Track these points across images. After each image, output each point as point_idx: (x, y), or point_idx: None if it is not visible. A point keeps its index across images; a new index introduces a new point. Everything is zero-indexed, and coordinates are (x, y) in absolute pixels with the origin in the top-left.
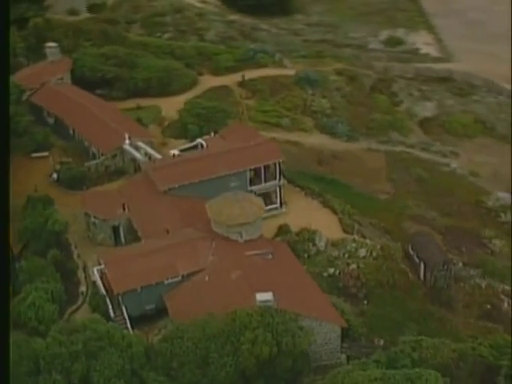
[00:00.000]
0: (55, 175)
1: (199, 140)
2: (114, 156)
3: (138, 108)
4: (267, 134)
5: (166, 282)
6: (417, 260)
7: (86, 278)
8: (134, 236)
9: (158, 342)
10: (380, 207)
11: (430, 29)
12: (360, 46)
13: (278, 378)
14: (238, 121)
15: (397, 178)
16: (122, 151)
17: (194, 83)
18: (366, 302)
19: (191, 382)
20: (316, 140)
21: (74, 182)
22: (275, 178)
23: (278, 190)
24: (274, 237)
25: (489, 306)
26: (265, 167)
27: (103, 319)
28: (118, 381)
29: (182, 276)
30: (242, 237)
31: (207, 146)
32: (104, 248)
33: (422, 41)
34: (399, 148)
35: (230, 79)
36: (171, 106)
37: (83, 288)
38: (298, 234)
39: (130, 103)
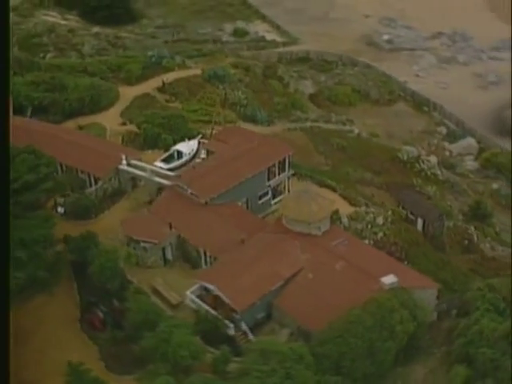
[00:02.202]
0: (61, 209)
1: (176, 148)
2: (110, 179)
3: (80, 128)
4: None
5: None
6: (412, 216)
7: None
8: (181, 252)
9: (319, 346)
10: (334, 179)
11: (263, 18)
12: (215, 41)
13: (414, 349)
14: (213, 123)
15: (324, 150)
16: (117, 172)
17: (117, 96)
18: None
19: (364, 373)
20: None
21: (80, 211)
22: (285, 170)
23: (286, 180)
24: None
25: (466, 242)
26: (278, 162)
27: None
28: None
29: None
30: (320, 230)
31: (215, 152)
32: (156, 270)
33: (262, 29)
34: (308, 124)
35: (147, 87)
36: (109, 121)
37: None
38: None
39: (71, 124)
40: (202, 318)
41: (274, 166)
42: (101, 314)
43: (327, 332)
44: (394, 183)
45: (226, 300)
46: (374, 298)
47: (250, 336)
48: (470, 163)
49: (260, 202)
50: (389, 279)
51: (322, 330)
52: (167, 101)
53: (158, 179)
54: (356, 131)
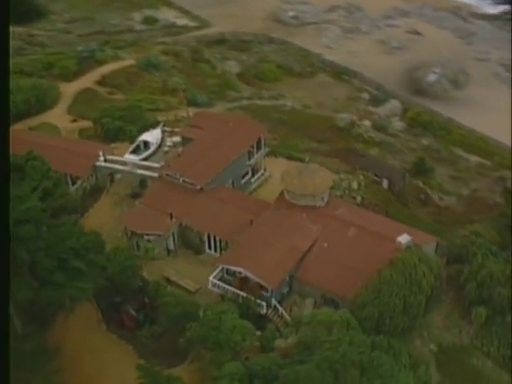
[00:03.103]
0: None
1: (142, 138)
2: (88, 176)
3: (31, 129)
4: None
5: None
6: (377, 178)
7: None
8: (181, 240)
9: (360, 310)
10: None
11: (169, 5)
12: (130, 30)
13: (432, 299)
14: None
15: (267, 126)
16: (95, 169)
17: (59, 94)
18: None
19: (402, 329)
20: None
21: (68, 213)
22: (261, 149)
23: (262, 158)
24: None
25: (423, 196)
26: (256, 142)
27: None
28: None
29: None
30: (323, 201)
31: (195, 138)
32: (161, 261)
33: (171, 16)
34: (244, 102)
35: (85, 81)
36: (58, 120)
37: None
38: None
39: (20, 126)
40: (232, 301)
41: (252, 145)
42: (133, 312)
43: (364, 295)
44: (339, 149)
45: (257, 280)
46: (399, 258)
47: (281, 311)
48: (398, 123)
49: (243, 181)
50: (404, 238)
51: (357, 294)
52: (110, 93)
53: (142, 171)
54: (289, 104)
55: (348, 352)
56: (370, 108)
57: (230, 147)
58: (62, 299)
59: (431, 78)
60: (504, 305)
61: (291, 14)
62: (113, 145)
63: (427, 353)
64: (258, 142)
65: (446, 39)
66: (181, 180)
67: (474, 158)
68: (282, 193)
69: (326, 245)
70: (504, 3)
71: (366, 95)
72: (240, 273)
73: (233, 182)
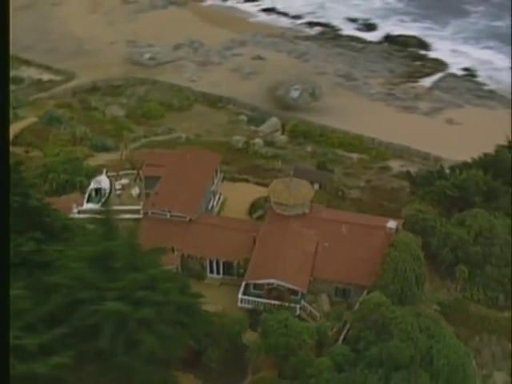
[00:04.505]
0: None
1: (94, 187)
2: None
3: None
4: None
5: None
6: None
7: None
8: (185, 271)
9: (385, 288)
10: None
11: (27, 63)
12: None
13: None
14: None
15: None
16: None
17: None
18: None
19: (417, 296)
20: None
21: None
22: (217, 175)
23: (219, 183)
24: (255, 211)
25: (340, 193)
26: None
27: None
28: None
29: None
30: (308, 208)
31: (162, 176)
32: None
33: (34, 73)
34: (143, 141)
35: None
36: None
37: None
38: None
39: None
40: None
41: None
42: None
43: (384, 277)
44: (247, 168)
45: (289, 286)
46: (398, 240)
47: (310, 309)
48: (281, 137)
49: (209, 207)
50: (392, 224)
51: (377, 277)
52: (26, 152)
53: (124, 216)
54: (183, 136)
55: (413, 321)
56: (253, 128)
57: (199, 177)
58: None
59: (294, 93)
60: (479, 259)
61: (147, 56)
62: (63, 197)
63: (434, 313)
64: (216, 169)
65: (286, 60)
66: (168, 215)
67: (355, 155)
68: (270, 207)
69: (327, 244)
70: (318, 25)
71: (243, 117)
72: (270, 284)
73: (206, 209)
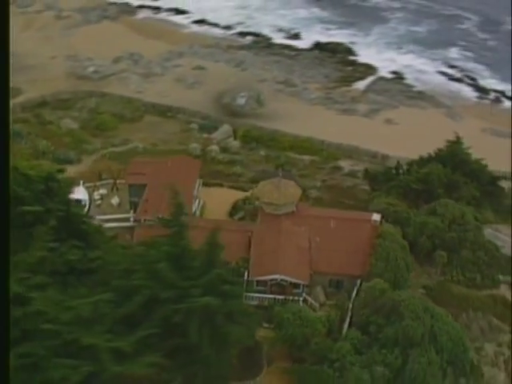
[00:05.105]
0: None
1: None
2: None
3: None
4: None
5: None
6: None
7: None
8: None
9: (385, 273)
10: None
11: None
12: None
13: None
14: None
15: None
16: None
17: None
18: None
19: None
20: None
21: None
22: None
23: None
24: (236, 213)
25: None
26: None
27: None
28: None
29: None
30: (295, 206)
31: (148, 183)
32: None
33: None
34: (102, 152)
35: None
36: None
37: None
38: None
39: None
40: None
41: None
42: None
43: (378, 266)
44: (208, 174)
45: (293, 280)
46: (385, 231)
47: (310, 301)
48: (234, 143)
49: (193, 211)
50: (376, 217)
51: (371, 266)
52: None
53: (117, 224)
54: (140, 146)
55: (418, 303)
56: (206, 135)
57: (185, 182)
58: None
59: (240, 101)
60: (455, 244)
61: (91, 69)
62: None
63: (420, 296)
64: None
65: (225, 69)
66: None
67: (307, 157)
68: (260, 208)
69: (318, 239)
70: (249, 35)
71: (194, 125)
72: (273, 279)
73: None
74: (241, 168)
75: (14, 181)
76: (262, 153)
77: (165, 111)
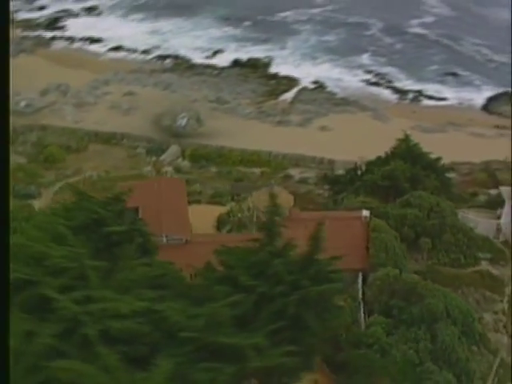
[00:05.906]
0: None
1: None
2: None
3: None
4: None
5: None
6: None
7: None
8: None
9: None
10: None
11: None
12: None
13: None
14: None
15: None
16: None
17: None
18: None
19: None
20: None
21: None
22: None
23: None
24: (223, 226)
25: None
26: None
27: None
28: None
29: None
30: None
31: (140, 206)
32: None
33: None
34: (58, 184)
35: None
36: None
37: None
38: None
39: None
40: None
41: None
42: None
43: (379, 257)
44: None
45: None
46: (378, 224)
47: None
48: (184, 163)
49: None
50: (366, 213)
51: (373, 257)
52: None
53: None
54: (94, 174)
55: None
56: (155, 158)
57: (178, 201)
58: None
59: (181, 122)
60: (436, 230)
61: (23, 103)
62: None
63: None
64: None
65: (155, 93)
66: (165, 240)
67: (257, 170)
68: (257, 217)
69: None
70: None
71: (141, 150)
72: None
73: None
74: (200, 186)
75: None
76: (213, 169)
77: (109, 138)
